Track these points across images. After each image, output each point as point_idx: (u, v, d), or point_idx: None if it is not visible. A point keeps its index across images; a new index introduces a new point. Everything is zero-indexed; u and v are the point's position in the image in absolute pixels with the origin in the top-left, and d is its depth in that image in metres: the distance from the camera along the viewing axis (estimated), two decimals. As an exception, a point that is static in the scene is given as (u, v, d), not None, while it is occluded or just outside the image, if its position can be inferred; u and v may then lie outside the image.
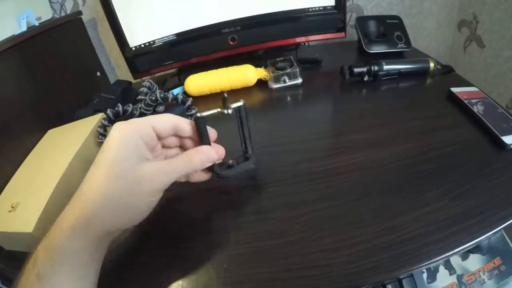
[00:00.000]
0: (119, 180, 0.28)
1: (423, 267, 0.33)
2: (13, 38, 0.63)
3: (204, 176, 0.38)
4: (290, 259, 0.33)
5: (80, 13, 0.79)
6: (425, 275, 0.42)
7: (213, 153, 0.35)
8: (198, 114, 0.34)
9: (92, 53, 0.83)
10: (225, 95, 0.37)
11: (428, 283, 0.41)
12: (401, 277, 0.35)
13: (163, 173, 0.31)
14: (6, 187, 0.49)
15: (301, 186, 0.42)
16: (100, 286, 0.30)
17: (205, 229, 0.39)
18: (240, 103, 0.37)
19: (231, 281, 0.33)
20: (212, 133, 0.37)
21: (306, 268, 0.32)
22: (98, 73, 0.83)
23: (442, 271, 0.45)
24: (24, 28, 0.71)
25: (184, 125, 0.35)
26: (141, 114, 0.53)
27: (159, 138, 0.34)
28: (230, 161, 0.39)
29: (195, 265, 0.35)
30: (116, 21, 0.67)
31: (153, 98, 0.51)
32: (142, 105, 0.53)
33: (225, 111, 0.37)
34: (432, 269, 0.42)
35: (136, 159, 0.30)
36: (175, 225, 0.40)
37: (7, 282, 0.47)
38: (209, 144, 0.36)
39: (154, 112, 0.55)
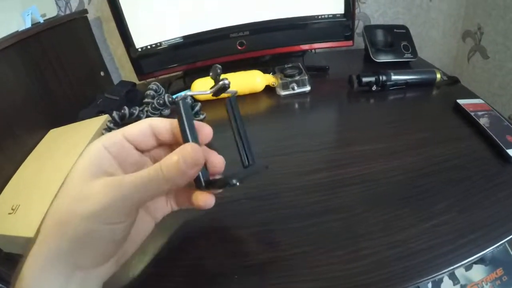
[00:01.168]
0: (63, 200, 0.23)
1: (431, 279, 0.33)
2: (17, 34, 0.62)
3: (207, 199, 0.29)
4: (300, 271, 0.33)
5: (85, 11, 0.79)
6: (430, 285, 0.42)
7: (195, 150, 0.24)
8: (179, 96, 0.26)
9: (96, 52, 0.83)
10: (218, 69, 0.28)
11: None
12: (408, 287, 0.35)
13: (113, 187, 0.23)
14: (6, 187, 0.48)
15: (308, 197, 0.42)
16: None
17: (212, 241, 0.38)
18: (231, 90, 0.29)
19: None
20: (204, 130, 0.28)
21: (316, 281, 0.32)
22: (102, 73, 0.82)
23: (446, 281, 0.45)
24: (28, 25, 0.70)
25: (163, 123, 0.27)
26: (148, 118, 0.52)
27: (141, 149, 0.28)
28: (234, 181, 0.26)
29: (204, 277, 0.34)
30: (123, 21, 0.66)
31: (161, 101, 0.51)
32: (149, 108, 0.52)
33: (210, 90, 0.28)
34: (436, 279, 0.42)
35: (92, 174, 0.23)
36: (181, 235, 0.40)
37: (5, 284, 0.46)
38: (195, 142, 0.26)
39: (161, 116, 0.54)
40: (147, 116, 0.51)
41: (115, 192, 0.22)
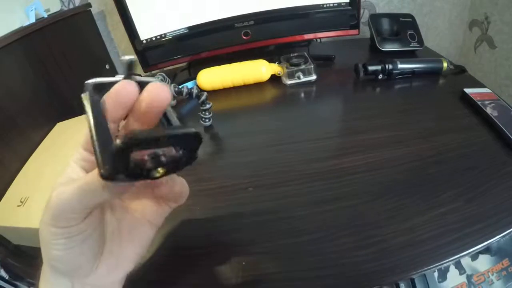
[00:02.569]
0: None
1: (437, 267, 0.33)
2: (21, 30, 0.62)
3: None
4: (307, 259, 0.34)
5: (89, 5, 0.78)
6: (436, 274, 0.42)
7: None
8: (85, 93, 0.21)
9: (101, 46, 0.83)
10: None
11: (439, 282, 0.41)
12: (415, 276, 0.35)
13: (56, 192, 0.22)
14: (14, 181, 0.49)
15: (315, 186, 0.42)
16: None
17: (220, 228, 0.39)
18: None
19: (248, 280, 0.33)
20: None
21: (323, 268, 0.33)
22: (107, 66, 0.83)
23: (453, 271, 0.45)
24: (32, 20, 0.70)
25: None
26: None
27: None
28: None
29: (212, 264, 0.34)
30: (127, 14, 0.66)
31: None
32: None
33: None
34: (443, 268, 0.42)
35: None
36: (187, 224, 0.40)
37: (15, 276, 0.48)
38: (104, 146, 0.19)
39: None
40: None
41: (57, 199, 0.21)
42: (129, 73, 0.22)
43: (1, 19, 0.69)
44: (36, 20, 0.67)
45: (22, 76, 0.59)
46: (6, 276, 0.49)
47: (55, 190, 0.22)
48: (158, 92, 0.21)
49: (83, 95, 0.21)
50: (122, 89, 0.21)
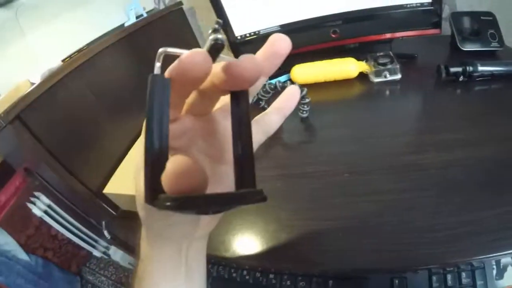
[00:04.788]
0: None
1: (494, 258, 0.39)
2: (124, 28, 0.69)
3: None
4: (385, 235, 0.41)
5: (180, 3, 0.85)
6: (494, 272, 0.45)
7: None
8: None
9: (194, 41, 0.89)
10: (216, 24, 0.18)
11: (496, 279, 0.44)
12: (476, 264, 0.40)
13: None
14: (129, 152, 0.58)
15: (394, 176, 0.48)
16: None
17: (318, 205, 0.47)
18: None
19: (333, 248, 0.42)
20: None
21: (398, 243, 0.40)
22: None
23: (510, 271, 0.48)
24: (133, 19, 0.77)
25: None
26: (258, 100, 0.60)
27: None
28: None
29: (307, 233, 0.44)
30: (222, 11, 0.72)
31: (272, 86, 0.58)
32: (260, 91, 0.60)
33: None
34: (501, 267, 0.45)
35: None
36: (289, 202, 0.48)
37: (115, 237, 0.56)
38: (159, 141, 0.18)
39: (269, 99, 0.62)
40: (258, 99, 0.59)
41: None
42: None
43: (102, 19, 0.77)
44: (136, 18, 0.74)
45: (124, 73, 0.66)
46: (108, 236, 0.56)
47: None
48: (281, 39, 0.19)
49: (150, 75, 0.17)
50: (189, 58, 0.16)
